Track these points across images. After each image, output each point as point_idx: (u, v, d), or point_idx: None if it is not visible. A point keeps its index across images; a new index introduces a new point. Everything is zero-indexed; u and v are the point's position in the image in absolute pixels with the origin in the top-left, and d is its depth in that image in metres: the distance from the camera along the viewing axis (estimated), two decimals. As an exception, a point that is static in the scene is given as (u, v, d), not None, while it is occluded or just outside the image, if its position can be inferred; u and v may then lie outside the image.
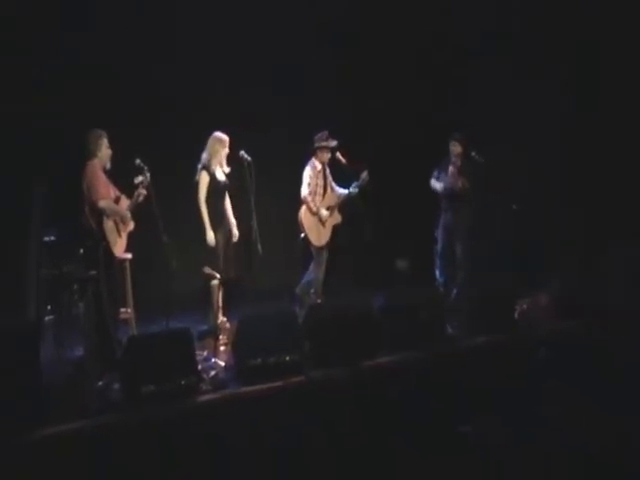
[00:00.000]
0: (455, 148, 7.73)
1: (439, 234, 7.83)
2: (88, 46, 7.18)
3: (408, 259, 8.88)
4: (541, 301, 6.76)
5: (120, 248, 6.16)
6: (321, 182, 7.46)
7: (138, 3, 7.44)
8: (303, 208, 7.36)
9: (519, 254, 8.05)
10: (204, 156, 6.64)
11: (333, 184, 7.58)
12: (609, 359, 5.94)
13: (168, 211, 6.34)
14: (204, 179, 6.58)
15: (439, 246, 7.83)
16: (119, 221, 6.15)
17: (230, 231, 6.77)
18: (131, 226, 6.28)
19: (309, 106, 8.17)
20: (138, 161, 6.15)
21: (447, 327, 6.28)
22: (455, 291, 7.40)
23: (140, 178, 6.17)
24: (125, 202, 6.23)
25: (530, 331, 6.49)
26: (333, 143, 7.33)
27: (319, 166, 7.44)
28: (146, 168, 6.16)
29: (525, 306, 6.72)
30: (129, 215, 6.23)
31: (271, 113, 8.12)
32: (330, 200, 7.48)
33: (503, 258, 8.04)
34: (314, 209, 7.33)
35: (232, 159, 6.59)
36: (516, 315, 6.61)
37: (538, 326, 6.56)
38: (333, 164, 7.46)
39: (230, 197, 6.83)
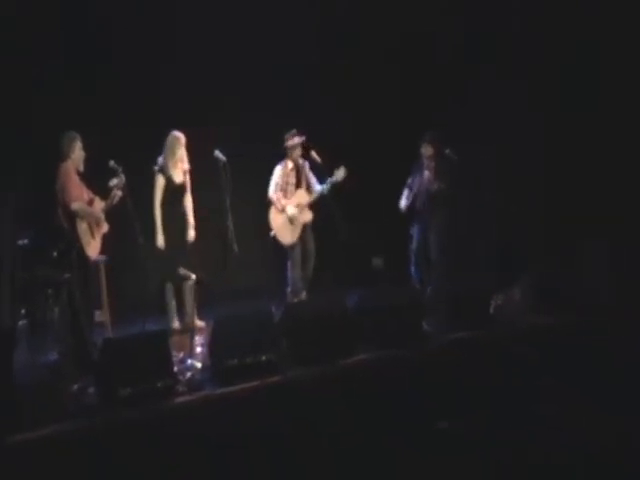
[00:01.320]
0: (426, 150, 7.67)
1: (414, 232, 7.80)
2: (61, 48, 7.15)
3: (383, 257, 8.90)
4: (515, 296, 6.78)
5: (94, 250, 6.13)
6: (292, 180, 7.53)
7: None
8: (272, 207, 7.46)
9: (495, 252, 8.07)
10: (160, 158, 6.69)
11: (313, 182, 7.59)
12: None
13: (144, 212, 6.38)
14: (159, 183, 6.68)
15: (414, 244, 7.80)
16: (93, 223, 6.12)
17: (186, 232, 6.84)
18: (105, 228, 6.26)
19: (286, 106, 8.15)
20: (112, 162, 6.15)
21: (423, 324, 6.26)
22: (430, 289, 7.40)
23: (115, 180, 6.16)
24: (99, 204, 6.20)
25: (506, 326, 6.50)
26: (297, 140, 7.40)
27: (290, 164, 7.50)
28: (120, 169, 6.13)
29: (500, 301, 6.72)
30: (103, 217, 6.21)
31: (248, 113, 8.11)
32: (301, 198, 7.52)
33: (479, 256, 8.07)
34: (279, 207, 7.41)
35: (207, 159, 6.55)
36: (491, 310, 6.62)
37: (514, 321, 6.57)
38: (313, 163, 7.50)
39: (193, 196, 6.91)
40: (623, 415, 5.21)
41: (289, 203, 7.47)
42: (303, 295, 7.55)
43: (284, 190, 7.48)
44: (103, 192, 6.27)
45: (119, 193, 6.15)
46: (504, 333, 6.42)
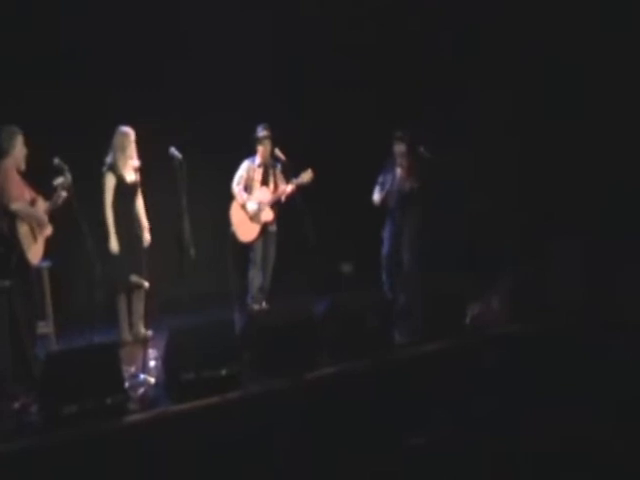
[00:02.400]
0: (399, 148, 7.71)
1: (385, 235, 7.82)
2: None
3: (353, 263, 8.90)
4: (493, 305, 6.80)
5: (36, 255, 5.95)
6: (258, 177, 7.58)
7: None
8: (234, 203, 7.52)
9: (470, 254, 8.11)
10: (109, 157, 6.64)
11: (282, 185, 7.58)
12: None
13: (93, 215, 6.27)
14: (110, 182, 6.62)
15: (385, 248, 7.81)
16: (35, 225, 5.95)
17: (140, 236, 6.78)
18: (49, 231, 6.10)
19: (250, 104, 8.11)
20: (57, 160, 6.01)
21: (395, 334, 6.25)
22: (402, 295, 7.38)
23: (60, 179, 6.03)
24: (42, 204, 6.05)
25: (481, 335, 6.56)
26: (261, 133, 7.45)
27: (259, 160, 7.55)
28: (66, 168, 6.01)
29: (476, 311, 6.76)
30: (46, 219, 6.05)
31: (208, 110, 8.08)
32: (263, 195, 7.53)
33: (453, 258, 8.08)
34: (240, 201, 7.47)
35: (162, 157, 6.45)
36: (467, 320, 6.65)
37: (490, 330, 6.63)
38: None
39: (146, 196, 6.85)
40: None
41: (251, 199, 7.49)
42: (263, 304, 7.52)
43: (249, 186, 7.53)
44: (47, 192, 6.11)
45: (64, 193, 6.01)
46: (475, 342, 6.49)
